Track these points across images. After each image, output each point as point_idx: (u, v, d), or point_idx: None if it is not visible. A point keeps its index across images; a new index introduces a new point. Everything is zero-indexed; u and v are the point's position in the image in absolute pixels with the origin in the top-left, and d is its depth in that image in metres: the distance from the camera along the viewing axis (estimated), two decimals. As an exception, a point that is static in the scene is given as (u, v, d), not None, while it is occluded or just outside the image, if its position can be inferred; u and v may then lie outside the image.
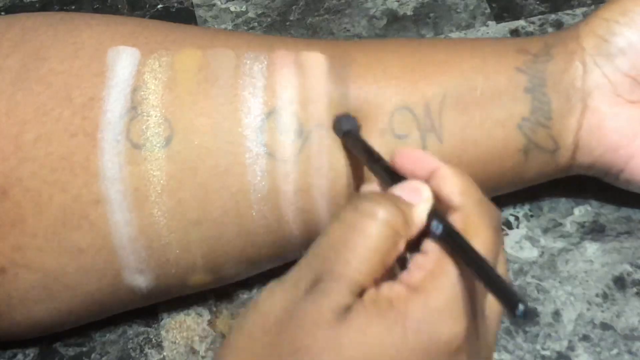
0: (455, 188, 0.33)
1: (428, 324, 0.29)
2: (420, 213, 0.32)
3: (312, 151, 0.39)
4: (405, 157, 0.35)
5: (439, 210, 0.33)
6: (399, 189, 0.33)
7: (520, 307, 0.27)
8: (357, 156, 0.39)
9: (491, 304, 0.32)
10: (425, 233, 0.33)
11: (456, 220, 0.32)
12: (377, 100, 0.40)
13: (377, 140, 0.40)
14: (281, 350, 0.29)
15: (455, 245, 0.31)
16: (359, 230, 0.31)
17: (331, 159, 0.40)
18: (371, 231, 0.31)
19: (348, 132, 0.40)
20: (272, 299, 0.31)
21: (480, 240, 0.31)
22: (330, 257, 0.31)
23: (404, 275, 0.31)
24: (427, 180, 0.33)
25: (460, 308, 0.30)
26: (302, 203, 0.40)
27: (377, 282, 0.31)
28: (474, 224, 0.32)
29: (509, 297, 0.28)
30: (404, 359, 0.29)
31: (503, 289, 0.29)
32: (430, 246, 0.31)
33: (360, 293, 0.30)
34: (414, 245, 0.33)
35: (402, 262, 0.33)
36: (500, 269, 0.33)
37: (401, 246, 0.32)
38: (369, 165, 0.37)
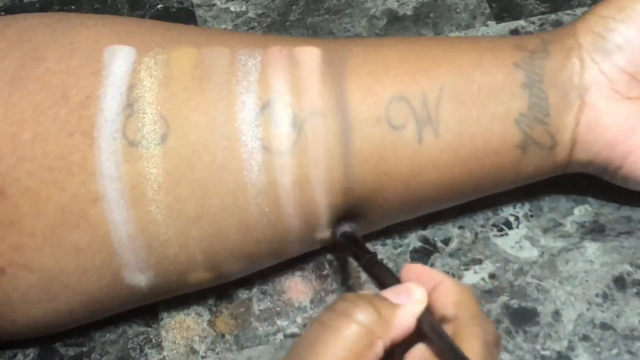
0: (452, 299, 0.34)
1: None
2: (406, 314, 0.33)
3: (307, 141, 0.40)
4: (412, 270, 0.36)
5: (431, 318, 0.34)
6: (388, 291, 0.35)
7: None
8: (355, 259, 0.40)
9: None
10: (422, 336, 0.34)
11: (447, 329, 0.33)
12: (374, 89, 0.40)
13: (373, 129, 0.40)
14: None
15: (442, 348, 0.32)
16: (332, 328, 0.32)
17: (327, 147, 0.40)
18: (344, 330, 0.32)
19: (346, 234, 0.41)
20: None
21: (468, 351, 0.32)
22: (303, 355, 0.32)
23: None
24: (430, 292, 0.35)
25: None
26: (301, 195, 0.40)
27: None
28: (464, 335, 0.33)
29: None
30: None
31: None
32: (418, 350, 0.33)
33: None
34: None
35: None
36: None
37: (378, 347, 0.32)
38: (366, 269, 0.38)
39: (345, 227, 0.41)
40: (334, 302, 0.33)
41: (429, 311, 0.34)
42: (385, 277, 0.36)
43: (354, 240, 0.40)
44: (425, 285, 0.35)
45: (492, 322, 0.34)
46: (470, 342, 0.33)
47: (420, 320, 0.34)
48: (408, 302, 0.34)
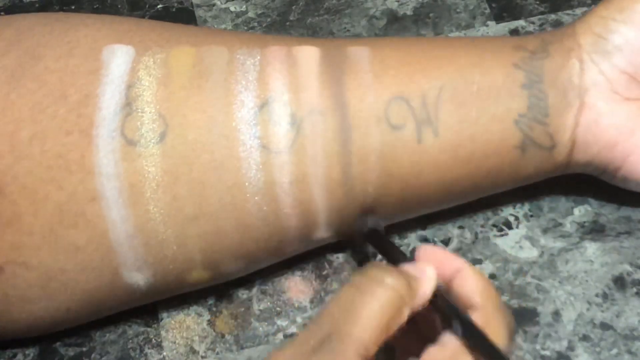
0: (477, 288, 0.35)
1: None
2: (425, 288, 0.35)
3: (306, 140, 0.40)
4: (429, 253, 0.37)
5: (459, 307, 0.35)
6: (407, 267, 0.36)
7: None
8: (381, 254, 0.40)
9: None
10: (434, 327, 0.35)
11: (477, 318, 0.34)
12: (373, 89, 0.40)
13: (372, 129, 0.40)
14: None
15: (476, 339, 0.33)
16: (366, 293, 0.33)
17: (326, 145, 0.40)
18: (378, 294, 0.33)
19: (372, 230, 0.41)
20: (282, 356, 0.32)
21: (498, 342, 0.33)
22: (338, 317, 0.33)
23: None
24: (450, 279, 0.36)
25: None
26: (299, 194, 0.40)
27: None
28: (494, 325, 0.34)
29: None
30: None
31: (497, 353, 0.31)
32: (447, 339, 0.34)
33: (366, 357, 0.32)
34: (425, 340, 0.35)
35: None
36: None
37: (405, 314, 0.34)
38: (391, 264, 0.39)
39: (371, 223, 0.41)
40: (365, 269, 0.35)
41: (445, 294, 0.35)
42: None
43: (380, 236, 0.41)
44: (445, 271, 0.36)
45: (509, 311, 0.35)
46: (501, 334, 0.34)
47: (436, 301, 0.35)
48: (424, 277, 0.35)
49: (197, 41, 0.41)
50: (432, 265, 0.36)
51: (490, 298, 0.35)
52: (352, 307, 0.33)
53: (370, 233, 0.41)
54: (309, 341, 0.32)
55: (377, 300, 0.33)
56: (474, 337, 0.33)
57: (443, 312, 0.35)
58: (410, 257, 0.38)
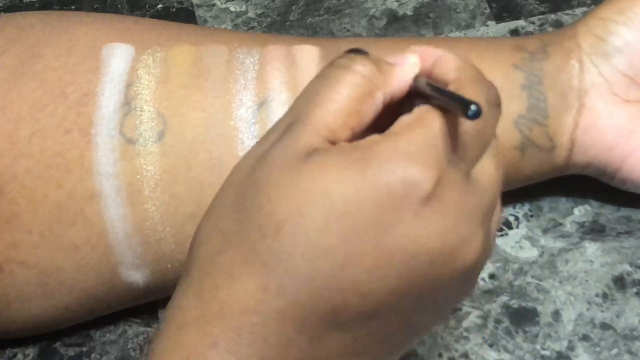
0: (452, 65, 0.32)
1: (393, 165, 0.27)
2: (403, 72, 0.31)
3: None
4: (417, 52, 0.33)
5: (429, 81, 0.32)
6: (385, 58, 0.33)
7: (473, 107, 0.27)
8: None
9: (483, 167, 0.30)
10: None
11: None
12: None
13: None
14: (246, 195, 0.29)
15: (443, 92, 0.30)
16: (331, 78, 0.30)
17: None
18: (343, 79, 0.30)
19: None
20: (247, 155, 0.31)
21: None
22: (302, 105, 0.30)
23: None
24: (431, 66, 0.32)
25: (433, 156, 0.28)
26: None
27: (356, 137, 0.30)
28: (465, 92, 0.30)
29: (463, 101, 0.28)
30: (364, 197, 0.27)
31: (459, 96, 0.28)
32: (419, 107, 0.30)
33: (333, 142, 0.29)
34: None
35: None
36: (491, 151, 0.31)
37: (378, 98, 0.31)
38: None
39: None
40: (333, 59, 0.32)
41: (426, 78, 0.32)
42: None
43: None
44: (427, 59, 0.32)
45: (491, 82, 0.32)
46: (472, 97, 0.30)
47: (417, 84, 0.32)
48: (404, 63, 0.32)
49: (197, 40, 0.41)
50: (413, 54, 0.32)
51: (465, 71, 0.31)
52: (316, 94, 0.30)
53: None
54: (271, 134, 0.30)
55: (341, 84, 0.30)
56: (442, 93, 0.30)
57: (422, 93, 0.31)
58: None
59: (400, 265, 0.28)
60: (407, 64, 0.32)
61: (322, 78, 0.31)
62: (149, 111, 0.39)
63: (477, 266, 0.30)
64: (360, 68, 0.31)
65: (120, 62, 0.39)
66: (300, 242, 0.27)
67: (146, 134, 0.39)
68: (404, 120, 0.29)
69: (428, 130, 0.28)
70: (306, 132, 0.29)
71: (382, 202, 0.27)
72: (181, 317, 0.29)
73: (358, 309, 0.28)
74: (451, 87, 0.30)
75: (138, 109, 0.39)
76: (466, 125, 0.29)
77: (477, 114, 0.27)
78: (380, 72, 0.31)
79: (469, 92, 0.30)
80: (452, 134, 0.29)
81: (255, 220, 0.28)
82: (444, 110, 0.30)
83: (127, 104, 0.39)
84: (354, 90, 0.30)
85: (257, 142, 0.31)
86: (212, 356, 0.28)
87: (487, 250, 0.30)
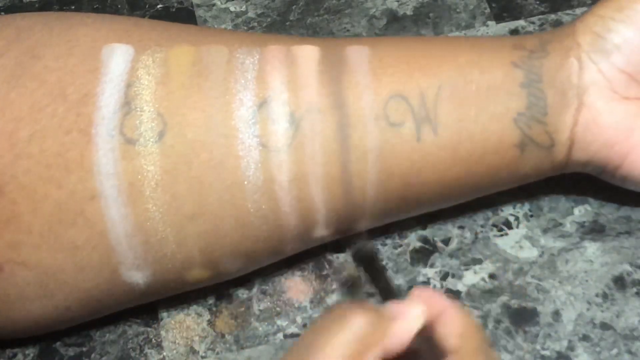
0: (456, 330, 0.33)
1: None
2: (402, 328, 0.33)
3: (305, 138, 0.40)
4: (420, 293, 0.35)
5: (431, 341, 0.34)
6: (390, 305, 0.35)
7: None
8: (370, 282, 0.39)
9: None
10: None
11: None
12: (372, 86, 0.40)
13: (371, 126, 0.40)
14: None
15: None
16: (326, 333, 0.32)
17: (324, 144, 0.40)
18: (338, 337, 0.32)
19: (365, 257, 0.40)
20: None
21: None
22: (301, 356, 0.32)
23: None
24: (435, 319, 0.34)
25: None
26: (298, 192, 0.40)
27: None
28: None
29: None
30: None
31: None
32: None
33: None
34: None
35: None
36: None
37: (371, 356, 0.32)
38: (379, 291, 0.38)
39: (361, 245, 0.40)
40: (331, 307, 0.34)
41: (428, 334, 0.34)
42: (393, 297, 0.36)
43: (369, 260, 0.39)
44: (431, 309, 0.34)
45: (495, 353, 0.34)
46: None
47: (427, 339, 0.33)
48: (405, 317, 0.33)
49: (197, 40, 0.41)
50: (422, 304, 0.34)
51: (469, 341, 0.33)
52: (310, 347, 0.32)
53: (362, 258, 0.40)
54: None
55: (335, 343, 0.32)
56: None
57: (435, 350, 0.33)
58: (400, 292, 0.37)
59: None
60: (409, 318, 0.33)
61: (318, 330, 0.33)
62: (149, 111, 0.39)
63: None
64: (355, 325, 0.32)
65: (120, 62, 0.39)
66: None
67: (146, 134, 0.39)
68: None
69: None
70: None
71: None
72: None
73: None
74: (451, 358, 0.32)
75: (138, 109, 0.39)
76: None
77: None
78: (376, 329, 0.33)
79: None
80: None
81: None
82: None
83: (127, 104, 0.39)
84: (346, 350, 0.32)
85: None
86: None
87: None
